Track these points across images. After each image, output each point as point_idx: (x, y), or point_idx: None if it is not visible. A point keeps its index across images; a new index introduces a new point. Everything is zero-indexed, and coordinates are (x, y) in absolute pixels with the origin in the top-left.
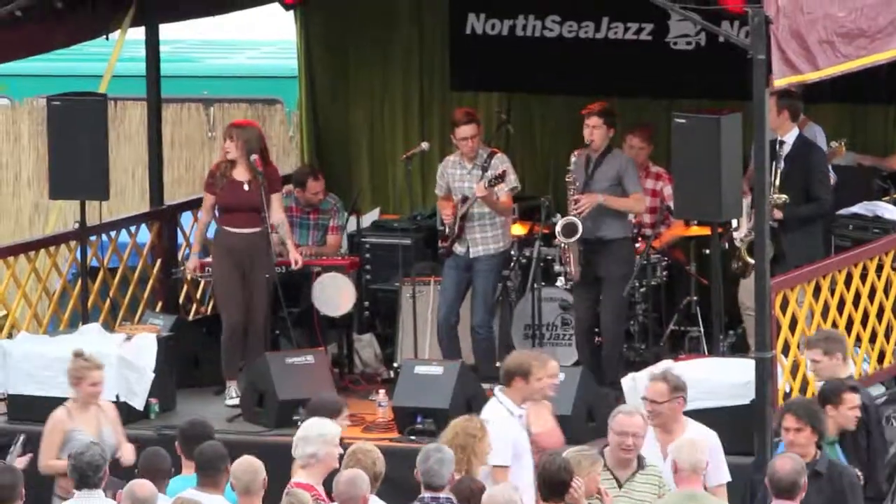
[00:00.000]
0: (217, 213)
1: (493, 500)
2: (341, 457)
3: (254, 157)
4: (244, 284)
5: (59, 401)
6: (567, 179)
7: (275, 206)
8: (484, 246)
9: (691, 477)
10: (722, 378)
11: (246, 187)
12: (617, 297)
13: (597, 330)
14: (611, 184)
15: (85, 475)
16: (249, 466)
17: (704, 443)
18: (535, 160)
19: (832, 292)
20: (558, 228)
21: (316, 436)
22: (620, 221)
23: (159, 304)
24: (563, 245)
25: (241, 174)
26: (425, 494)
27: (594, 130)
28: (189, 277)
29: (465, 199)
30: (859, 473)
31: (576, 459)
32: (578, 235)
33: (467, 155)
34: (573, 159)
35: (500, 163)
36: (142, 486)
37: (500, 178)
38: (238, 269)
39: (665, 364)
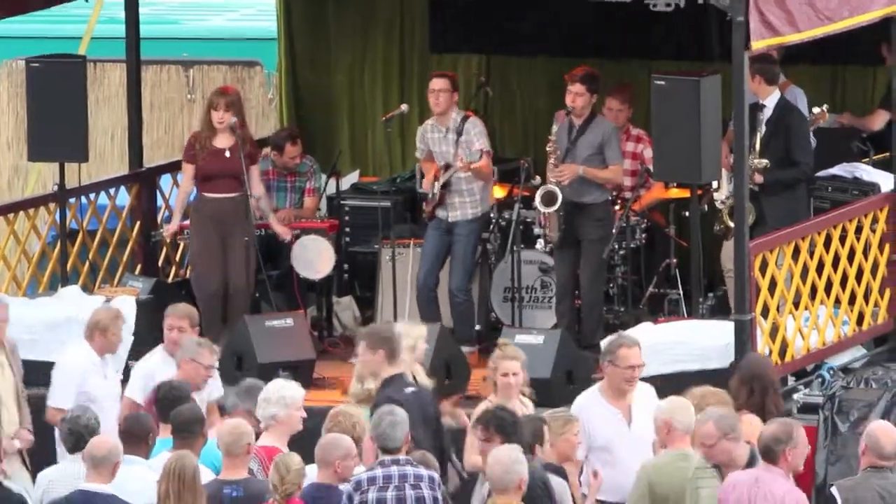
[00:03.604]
0: (197, 181)
1: (499, 460)
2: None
3: (234, 120)
4: (224, 250)
5: (40, 364)
6: (548, 148)
7: (254, 179)
8: (462, 211)
9: (684, 437)
10: (701, 340)
11: (227, 154)
12: (595, 260)
13: (577, 292)
14: (592, 152)
15: (82, 439)
16: (234, 429)
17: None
18: (515, 122)
19: (811, 254)
20: (538, 198)
21: (277, 398)
22: (599, 186)
23: (139, 266)
24: (543, 212)
25: (221, 142)
26: (385, 458)
27: (577, 97)
28: (168, 241)
29: (447, 167)
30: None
31: (547, 420)
32: (558, 205)
33: (434, 110)
34: (555, 128)
35: (472, 127)
36: (101, 443)
37: (478, 154)
38: (218, 234)
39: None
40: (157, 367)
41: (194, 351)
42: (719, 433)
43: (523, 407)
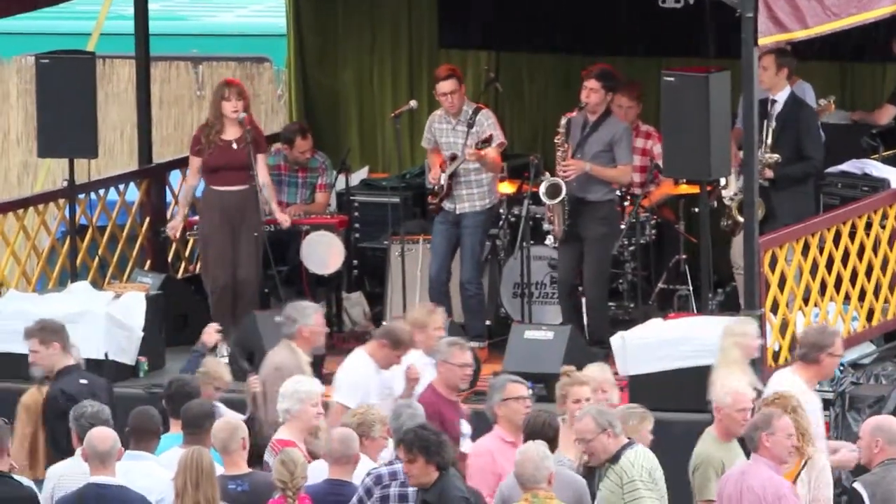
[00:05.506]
0: (204, 174)
1: (529, 458)
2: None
3: (243, 115)
4: (233, 243)
5: None
6: (556, 141)
7: (260, 167)
8: (470, 203)
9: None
10: (711, 336)
11: (234, 146)
12: (597, 257)
13: (581, 289)
14: (602, 149)
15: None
16: (227, 425)
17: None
18: (524, 118)
19: (821, 250)
20: (542, 189)
21: (290, 392)
22: (605, 184)
23: (148, 262)
24: (547, 204)
25: (229, 134)
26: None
27: (591, 93)
28: (176, 236)
29: (454, 157)
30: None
31: (624, 416)
32: (562, 197)
33: (449, 111)
34: (563, 121)
35: (486, 119)
36: (104, 436)
37: (487, 141)
38: (228, 227)
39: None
40: (371, 375)
41: (447, 352)
42: (598, 428)
43: None
